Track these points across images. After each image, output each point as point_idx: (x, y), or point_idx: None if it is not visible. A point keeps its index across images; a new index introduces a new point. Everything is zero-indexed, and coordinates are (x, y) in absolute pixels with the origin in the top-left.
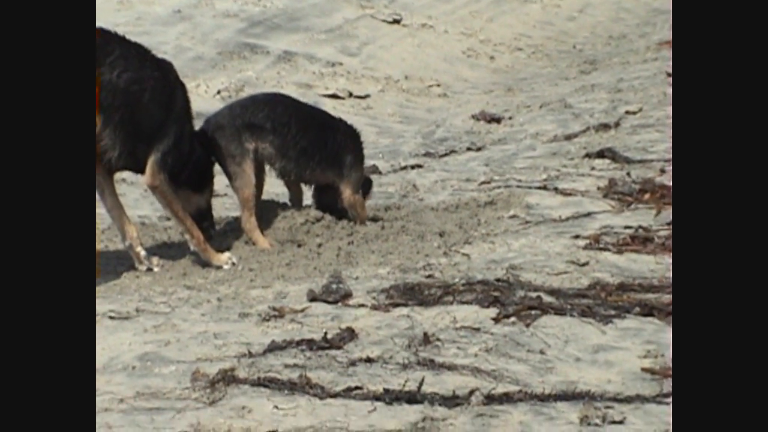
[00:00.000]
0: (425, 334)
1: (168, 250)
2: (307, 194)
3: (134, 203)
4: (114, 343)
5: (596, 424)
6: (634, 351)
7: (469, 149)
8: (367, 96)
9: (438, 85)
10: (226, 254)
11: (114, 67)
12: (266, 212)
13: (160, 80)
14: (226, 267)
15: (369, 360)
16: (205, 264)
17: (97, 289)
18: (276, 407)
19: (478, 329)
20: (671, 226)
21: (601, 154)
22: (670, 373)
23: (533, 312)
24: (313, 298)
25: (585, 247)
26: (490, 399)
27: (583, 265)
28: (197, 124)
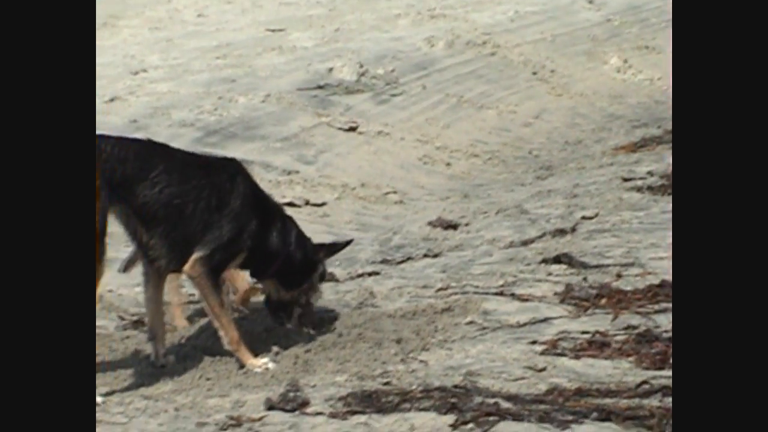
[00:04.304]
0: None
1: (124, 360)
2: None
3: None
4: None
5: None
6: None
7: (425, 256)
8: (323, 204)
9: (395, 192)
10: (263, 359)
11: (156, 183)
12: None
13: (207, 188)
14: (257, 371)
15: None
16: (241, 365)
17: None
18: None
19: None
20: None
21: (557, 260)
22: None
23: (491, 418)
24: (270, 406)
25: (542, 353)
26: None
27: (541, 370)
28: None
